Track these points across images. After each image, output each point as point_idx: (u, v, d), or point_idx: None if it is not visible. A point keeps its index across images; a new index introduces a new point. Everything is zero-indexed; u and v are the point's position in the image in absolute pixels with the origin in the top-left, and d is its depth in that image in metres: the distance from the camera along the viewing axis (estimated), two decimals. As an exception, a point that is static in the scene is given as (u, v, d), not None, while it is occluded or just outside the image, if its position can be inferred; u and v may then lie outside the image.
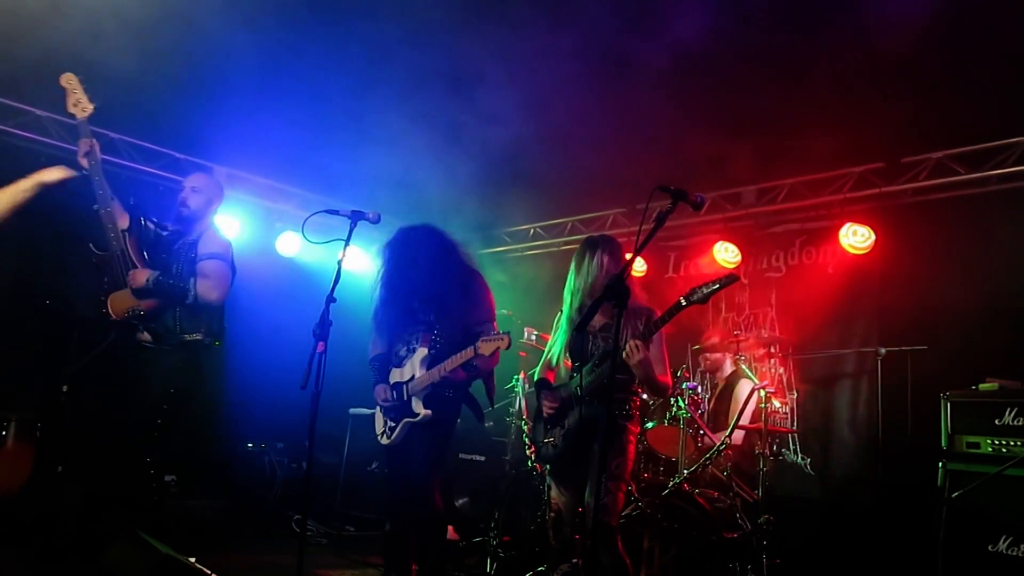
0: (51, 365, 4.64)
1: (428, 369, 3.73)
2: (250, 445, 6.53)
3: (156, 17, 4.41)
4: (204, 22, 4.44)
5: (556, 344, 3.67)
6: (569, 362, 3.63)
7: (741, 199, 6.26)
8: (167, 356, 3.98)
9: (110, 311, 3.99)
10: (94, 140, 3.91)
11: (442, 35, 4.49)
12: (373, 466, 6.36)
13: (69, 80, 3.95)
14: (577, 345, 3.50)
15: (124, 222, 4.08)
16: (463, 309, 3.78)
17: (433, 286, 3.82)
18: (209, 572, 2.94)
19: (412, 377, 3.77)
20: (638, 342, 3.21)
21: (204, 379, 4.15)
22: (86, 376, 4.23)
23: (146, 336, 3.98)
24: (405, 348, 3.86)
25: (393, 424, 3.82)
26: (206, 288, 4.01)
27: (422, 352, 3.76)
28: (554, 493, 3.81)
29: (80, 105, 3.92)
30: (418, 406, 3.73)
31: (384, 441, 3.86)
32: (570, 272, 3.61)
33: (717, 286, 3.06)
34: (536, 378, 3.74)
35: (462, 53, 4.61)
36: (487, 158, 5.83)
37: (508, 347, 3.61)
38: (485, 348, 3.59)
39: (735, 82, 4.70)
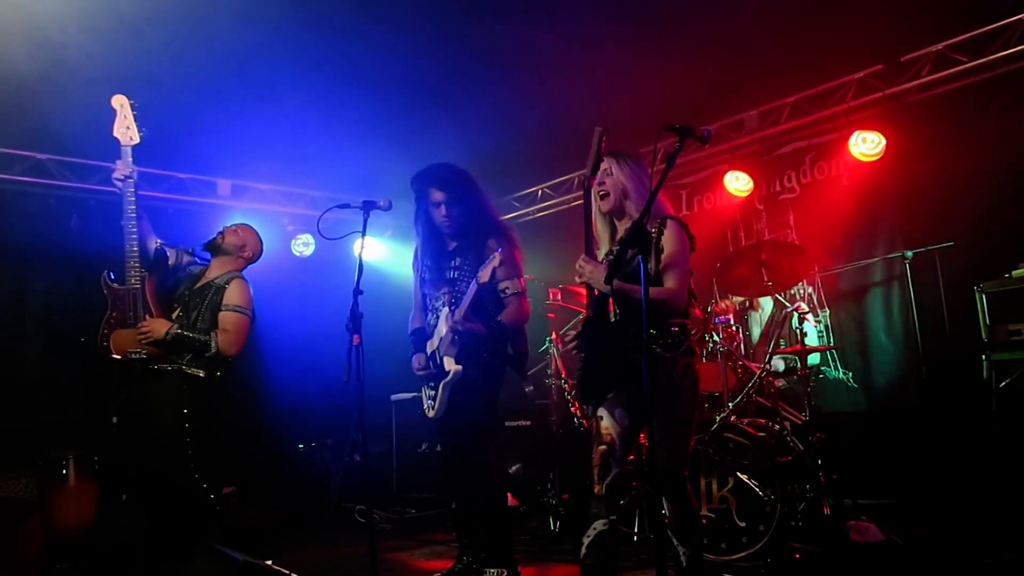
0: (98, 398, 4.73)
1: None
2: (301, 446, 6.65)
3: (138, 47, 4.42)
4: (184, 47, 4.45)
5: None
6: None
7: (744, 125, 6.18)
8: (169, 384, 3.97)
9: (111, 347, 3.94)
10: (134, 170, 3.85)
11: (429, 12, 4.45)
12: (423, 447, 6.45)
13: (122, 103, 3.88)
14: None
15: (152, 243, 4.08)
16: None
17: (465, 237, 3.81)
18: (288, 572, 3.02)
19: (441, 339, 3.76)
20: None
21: (215, 399, 4.13)
22: (127, 405, 4.31)
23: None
24: (435, 316, 3.86)
25: (433, 392, 3.82)
26: (228, 343, 3.99)
27: (445, 311, 3.74)
28: (606, 423, 3.06)
29: (129, 132, 3.88)
30: (449, 363, 3.71)
31: (431, 415, 3.87)
32: None
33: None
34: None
35: (452, 26, 4.57)
36: (484, 125, 5.80)
37: (500, 264, 3.53)
38: (483, 275, 3.53)
39: (718, 6, 4.61)
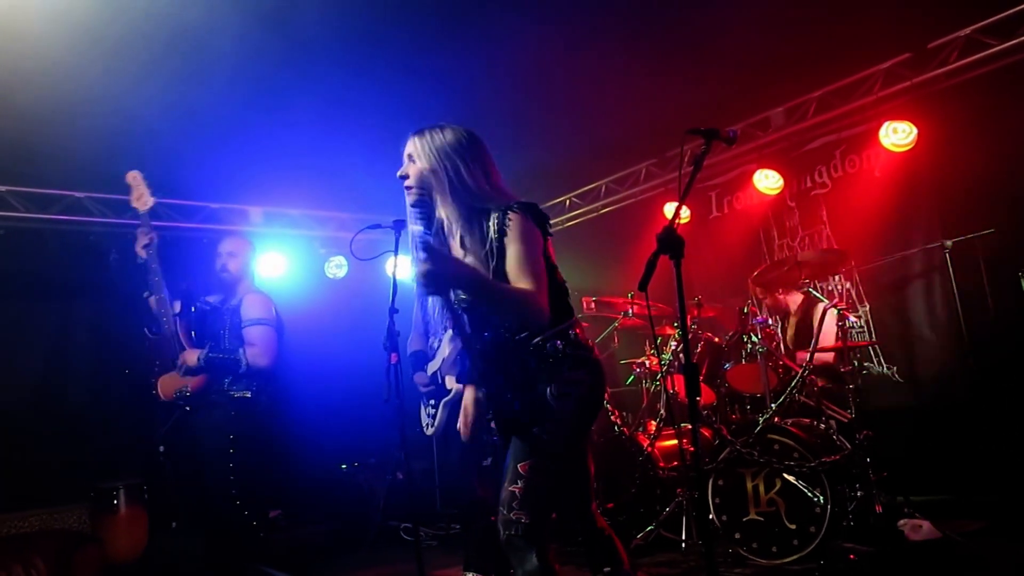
0: (145, 429, 4.83)
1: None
2: (344, 466, 6.70)
3: (167, 80, 4.51)
4: (211, 78, 4.53)
5: None
6: None
7: (771, 123, 6.13)
8: (217, 411, 4.13)
9: (159, 393, 4.18)
10: (154, 233, 4.11)
11: (446, 21, 4.47)
12: (487, 462, 6.47)
13: (134, 177, 4.17)
14: None
15: (176, 306, 4.29)
16: None
17: None
18: (337, 592, 3.04)
19: (444, 359, 3.85)
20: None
21: (261, 424, 4.26)
22: (173, 435, 4.42)
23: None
24: (437, 340, 3.94)
25: (433, 410, 3.92)
26: (255, 355, 4.14)
27: (449, 333, 3.79)
28: None
29: (142, 199, 4.14)
30: (450, 382, 3.81)
31: (429, 432, 3.94)
32: None
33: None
34: None
35: (465, 39, 4.59)
36: (510, 142, 5.82)
37: None
38: None
39: (738, 4, 4.58)
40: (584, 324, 2.60)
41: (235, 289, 4.37)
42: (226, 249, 4.44)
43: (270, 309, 4.30)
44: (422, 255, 2.18)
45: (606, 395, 2.70)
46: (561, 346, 2.37)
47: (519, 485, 2.26)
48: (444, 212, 2.45)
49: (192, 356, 4.12)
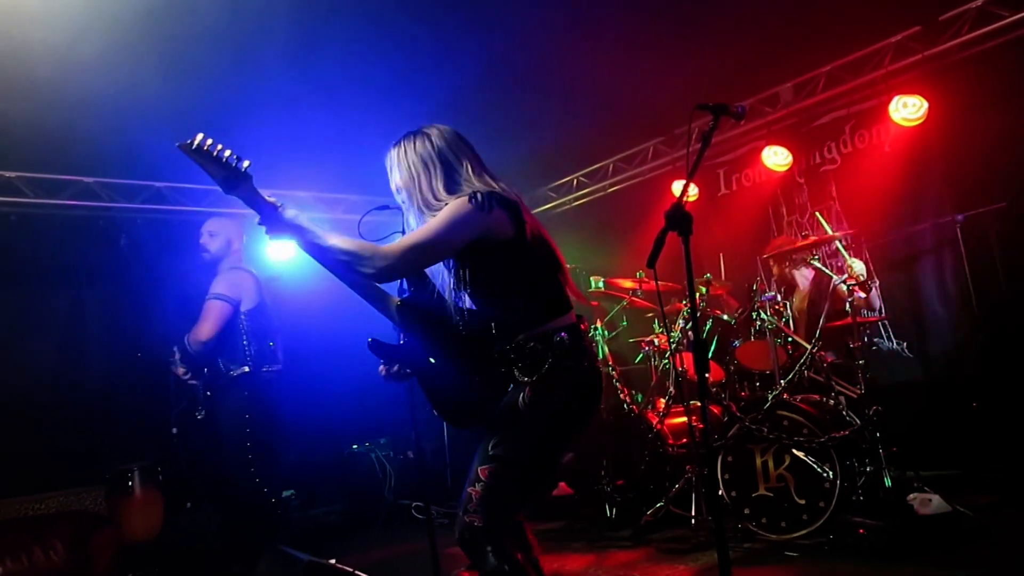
0: (158, 412, 4.89)
1: None
2: (355, 447, 6.75)
3: (171, 62, 4.51)
4: (216, 60, 4.53)
5: None
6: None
7: (779, 98, 6.08)
8: (226, 392, 4.18)
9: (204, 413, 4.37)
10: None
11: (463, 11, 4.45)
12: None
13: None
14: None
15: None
16: None
17: None
18: (352, 570, 3.08)
19: None
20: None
21: (273, 401, 4.30)
22: (187, 416, 4.48)
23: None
24: None
25: None
26: (196, 331, 4.11)
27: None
28: None
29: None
30: None
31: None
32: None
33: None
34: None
35: (471, 18, 4.56)
36: (515, 120, 5.80)
37: None
38: None
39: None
40: (594, 303, 2.60)
41: (215, 269, 4.38)
42: (207, 229, 4.44)
43: (234, 286, 4.24)
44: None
45: (599, 406, 2.59)
46: (541, 350, 2.24)
47: (477, 488, 2.22)
48: (415, 224, 2.49)
49: (181, 372, 4.27)
